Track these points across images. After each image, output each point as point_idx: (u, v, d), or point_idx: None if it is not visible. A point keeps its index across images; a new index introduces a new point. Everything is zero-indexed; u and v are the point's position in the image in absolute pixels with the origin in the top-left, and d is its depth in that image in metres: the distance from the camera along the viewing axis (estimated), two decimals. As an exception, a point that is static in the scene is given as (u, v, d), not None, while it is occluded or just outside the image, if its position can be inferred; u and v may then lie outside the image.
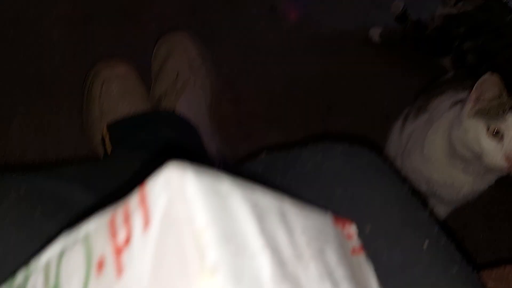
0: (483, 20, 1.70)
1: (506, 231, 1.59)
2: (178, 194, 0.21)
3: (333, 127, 1.63)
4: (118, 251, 0.22)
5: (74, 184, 0.53)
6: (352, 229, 0.33)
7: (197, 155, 1.07)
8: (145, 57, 1.45)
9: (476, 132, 1.00)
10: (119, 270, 0.22)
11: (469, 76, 1.19)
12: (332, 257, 0.27)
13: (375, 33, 1.93)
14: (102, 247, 0.23)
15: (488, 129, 0.99)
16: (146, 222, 0.22)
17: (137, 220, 0.22)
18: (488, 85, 1.00)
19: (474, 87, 1.01)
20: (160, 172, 0.22)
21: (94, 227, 0.24)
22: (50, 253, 0.26)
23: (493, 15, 1.72)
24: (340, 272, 0.27)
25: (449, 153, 1.10)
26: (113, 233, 0.23)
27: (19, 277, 0.27)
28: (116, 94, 1.18)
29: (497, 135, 0.97)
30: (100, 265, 0.23)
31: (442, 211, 1.34)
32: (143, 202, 0.22)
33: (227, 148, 1.42)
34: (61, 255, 0.25)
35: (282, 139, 1.56)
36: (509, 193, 1.59)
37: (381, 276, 0.32)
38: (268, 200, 0.25)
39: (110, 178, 0.61)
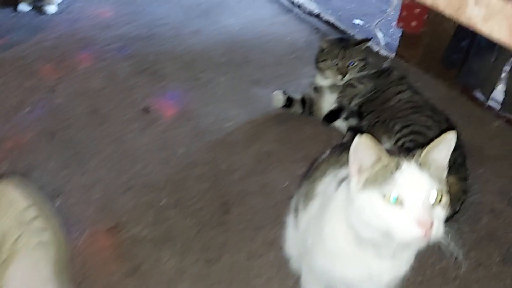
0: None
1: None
2: None
3: (234, 228, 1.39)
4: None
5: None
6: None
7: None
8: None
9: (373, 205, 0.82)
10: None
11: (345, 150, 1.03)
12: None
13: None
14: None
15: (384, 197, 0.81)
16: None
17: None
18: (362, 151, 0.83)
19: (349, 158, 0.84)
20: None
21: None
22: None
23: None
24: None
25: (354, 241, 0.90)
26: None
27: None
28: None
29: (397, 201, 0.79)
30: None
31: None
32: None
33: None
34: None
35: (176, 260, 1.29)
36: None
37: None
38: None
39: None
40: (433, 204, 0.78)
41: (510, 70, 1.55)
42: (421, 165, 0.79)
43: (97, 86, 1.89)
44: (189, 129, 1.72)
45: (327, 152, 1.14)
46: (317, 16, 2.37)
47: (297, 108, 1.79)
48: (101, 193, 1.47)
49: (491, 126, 1.71)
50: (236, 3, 2.46)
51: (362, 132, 1.17)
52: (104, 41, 2.15)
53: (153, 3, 2.47)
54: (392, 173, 0.81)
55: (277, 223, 1.41)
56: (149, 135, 1.69)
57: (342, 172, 0.95)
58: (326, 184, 0.99)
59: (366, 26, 2.36)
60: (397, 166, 0.81)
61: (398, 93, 1.61)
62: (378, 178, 0.82)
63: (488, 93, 1.65)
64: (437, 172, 0.80)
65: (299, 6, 2.47)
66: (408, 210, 0.79)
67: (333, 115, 1.73)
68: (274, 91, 1.89)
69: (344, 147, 1.08)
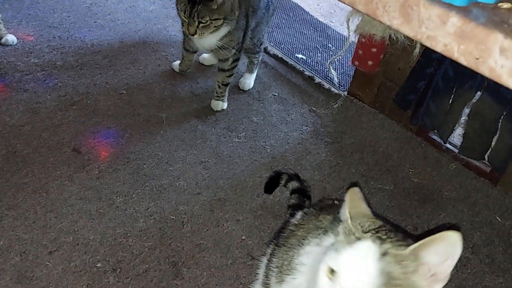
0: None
1: None
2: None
3: (188, 295, 1.18)
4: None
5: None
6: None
7: None
8: None
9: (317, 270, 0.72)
10: None
11: (322, 213, 0.90)
12: None
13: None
14: None
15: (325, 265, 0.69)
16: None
17: None
18: (345, 203, 0.73)
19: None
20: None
21: None
22: None
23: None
24: None
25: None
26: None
27: None
28: None
29: (334, 276, 0.67)
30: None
31: None
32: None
33: None
34: None
35: None
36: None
37: None
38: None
39: None
40: None
41: (469, 114, 1.53)
42: (384, 255, 0.65)
43: (15, 123, 1.60)
44: (128, 173, 1.49)
45: (298, 214, 0.99)
46: (264, 50, 2.27)
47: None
48: (19, 257, 1.20)
49: (449, 169, 1.68)
50: (176, 31, 2.29)
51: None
52: (25, 69, 1.87)
53: (82, 28, 2.22)
54: (346, 245, 0.69)
55: (237, 286, 1.23)
56: (79, 182, 1.43)
57: (327, 240, 0.81)
58: (309, 255, 0.83)
59: (309, 61, 2.31)
60: (353, 241, 0.68)
61: None
62: (337, 240, 0.71)
63: (445, 136, 1.62)
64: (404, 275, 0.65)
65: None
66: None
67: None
68: (224, 129, 1.74)
69: (320, 210, 0.94)
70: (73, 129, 1.63)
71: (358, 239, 0.68)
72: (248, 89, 1.96)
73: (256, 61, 1.95)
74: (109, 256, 1.24)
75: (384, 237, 0.68)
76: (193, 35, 1.53)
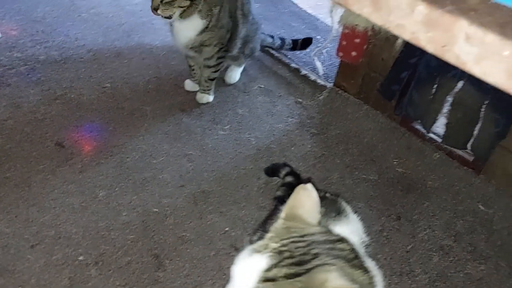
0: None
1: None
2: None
3: (169, 287, 1.18)
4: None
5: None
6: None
7: None
8: None
9: None
10: None
11: None
12: None
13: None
14: None
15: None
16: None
17: None
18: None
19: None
20: None
21: None
22: None
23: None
24: None
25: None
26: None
27: None
28: None
29: None
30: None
31: None
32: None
33: None
34: None
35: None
36: None
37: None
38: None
39: None
40: None
41: (451, 104, 1.54)
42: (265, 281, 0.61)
43: (-3, 117, 1.59)
44: (111, 167, 1.49)
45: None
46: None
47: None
48: (1, 251, 1.19)
49: (432, 158, 1.69)
50: (162, 24, 2.27)
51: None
52: (8, 64, 1.85)
53: (66, 22, 2.20)
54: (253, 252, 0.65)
55: (219, 277, 1.23)
56: (62, 176, 1.43)
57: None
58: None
59: (298, 53, 2.30)
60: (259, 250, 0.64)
61: None
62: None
63: (429, 125, 1.62)
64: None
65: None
66: None
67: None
68: (209, 122, 1.74)
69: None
70: (56, 123, 1.62)
71: (259, 252, 0.64)
72: (234, 83, 1.95)
73: (246, 59, 1.93)
74: (92, 249, 1.24)
75: (279, 262, 0.62)
76: (156, 9, 1.50)
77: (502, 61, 0.60)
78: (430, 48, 0.67)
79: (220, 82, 1.95)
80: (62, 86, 1.80)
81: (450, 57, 0.65)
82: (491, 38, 0.60)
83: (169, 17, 1.55)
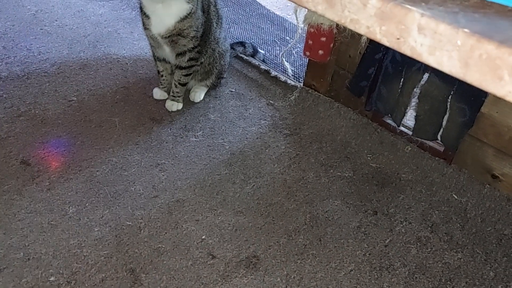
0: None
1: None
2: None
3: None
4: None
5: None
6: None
7: None
8: None
9: None
10: None
11: None
12: None
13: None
14: None
15: None
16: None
17: None
18: None
19: None
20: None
21: None
22: None
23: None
24: None
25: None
26: None
27: None
28: None
29: None
30: None
31: None
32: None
33: None
34: None
35: None
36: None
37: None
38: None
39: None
40: None
41: (419, 96, 1.55)
42: None
43: (-43, 139, 1.53)
44: (81, 182, 1.45)
45: None
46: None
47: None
48: (-34, 279, 1.14)
49: (404, 151, 1.70)
50: (128, 33, 2.24)
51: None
52: (-34, 82, 1.79)
53: (29, 36, 2.14)
54: None
55: (198, 287, 1.21)
56: (29, 195, 1.38)
57: None
58: None
59: (268, 55, 2.30)
60: None
61: None
62: None
63: (399, 119, 1.64)
64: None
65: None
66: None
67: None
68: (180, 129, 1.71)
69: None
70: (20, 141, 1.57)
71: None
72: (198, 101, 1.87)
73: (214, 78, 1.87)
74: (63, 268, 1.20)
75: None
76: None
77: (456, 50, 0.60)
78: (385, 41, 0.66)
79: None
80: (25, 102, 1.74)
81: (405, 49, 0.65)
82: (443, 28, 0.60)
83: None
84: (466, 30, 0.58)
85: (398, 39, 0.64)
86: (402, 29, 0.63)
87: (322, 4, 0.71)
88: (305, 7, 0.73)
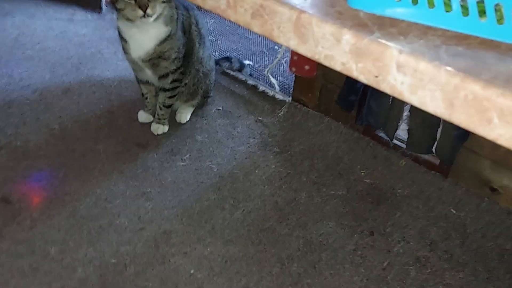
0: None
1: None
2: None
3: None
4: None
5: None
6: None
7: None
8: None
9: None
10: None
11: None
12: None
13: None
14: None
15: None
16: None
17: None
18: None
19: None
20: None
21: None
22: None
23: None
24: None
25: None
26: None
27: None
28: None
29: None
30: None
31: None
32: None
33: None
34: None
35: None
36: None
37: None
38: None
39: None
40: None
41: (410, 110, 1.50)
42: None
43: None
44: (64, 218, 1.40)
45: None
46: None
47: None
48: None
49: (399, 166, 1.64)
50: (112, 54, 2.18)
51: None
52: None
53: (10, 62, 2.09)
54: None
55: (187, 327, 1.15)
56: (10, 237, 1.33)
57: None
58: None
59: (256, 66, 2.25)
60: None
61: None
62: None
63: (391, 133, 1.58)
64: None
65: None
66: None
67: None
68: (166, 153, 1.66)
69: None
70: (1, 176, 1.52)
71: None
72: (184, 122, 1.81)
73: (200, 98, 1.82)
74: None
75: None
76: (145, 9, 1.36)
77: (439, 90, 0.54)
78: (363, 79, 0.60)
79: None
80: (6, 133, 1.69)
81: (385, 88, 0.59)
82: (424, 66, 0.54)
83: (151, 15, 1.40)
84: (448, 68, 0.52)
85: (376, 76, 0.58)
86: (380, 67, 0.57)
87: (294, 40, 0.66)
88: (277, 42, 0.67)
